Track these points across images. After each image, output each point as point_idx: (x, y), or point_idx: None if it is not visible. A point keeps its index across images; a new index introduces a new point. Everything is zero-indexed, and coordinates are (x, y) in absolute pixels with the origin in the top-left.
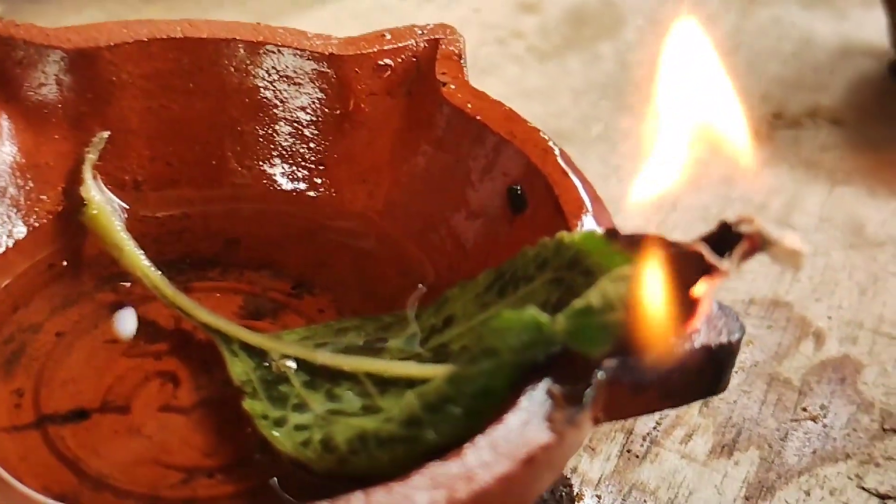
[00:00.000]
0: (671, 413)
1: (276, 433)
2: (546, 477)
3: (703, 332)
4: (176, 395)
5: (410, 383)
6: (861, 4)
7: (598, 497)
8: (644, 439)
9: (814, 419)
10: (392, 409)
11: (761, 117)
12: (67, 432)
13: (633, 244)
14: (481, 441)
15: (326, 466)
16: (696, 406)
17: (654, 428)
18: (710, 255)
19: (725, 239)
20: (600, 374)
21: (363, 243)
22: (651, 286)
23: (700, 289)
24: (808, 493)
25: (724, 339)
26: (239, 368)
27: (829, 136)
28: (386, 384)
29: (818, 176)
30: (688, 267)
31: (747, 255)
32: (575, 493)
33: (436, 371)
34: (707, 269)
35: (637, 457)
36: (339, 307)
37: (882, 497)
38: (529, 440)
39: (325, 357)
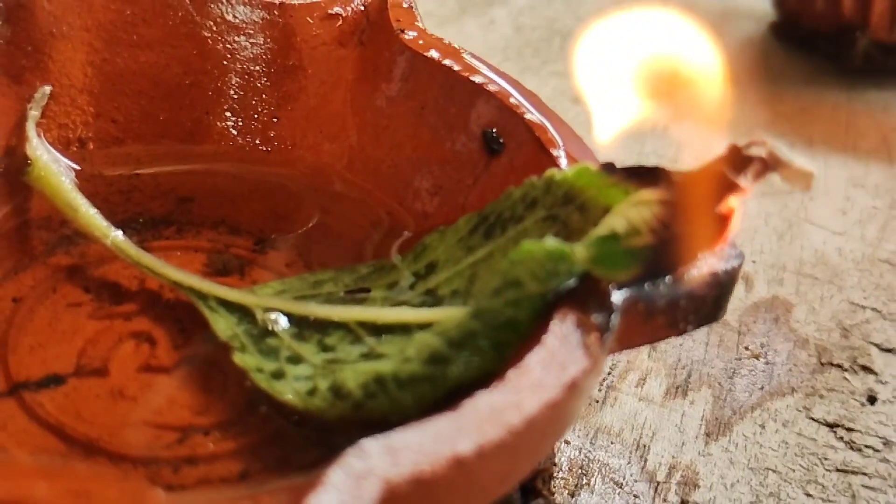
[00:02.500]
0: (622, 359)
1: (276, 385)
2: (582, 402)
3: (707, 259)
4: (154, 355)
5: (406, 328)
6: None
7: (568, 442)
8: (601, 385)
9: (756, 357)
10: (396, 353)
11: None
12: (45, 398)
13: (630, 177)
14: (523, 370)
15: (339, 413)
16: (644, 351)
17: (609, 374)
18: (732, 174)
19: (736, 162)
20: (619, 301)
21: (324, 196)
22: (678, 208)
23: (726, 207)
24: (762, 427)
25: (727, 265)
26: (222, 324)
27: (726, 94)
28: (380, 331)
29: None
30: (709, 188)
31: (760, 175)
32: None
33: (432, 314)
34: (729, 189)
35: (597, 402)
36: (305, 261)
37: (830, 426)
38: (569, 366)
39: (314, 308)
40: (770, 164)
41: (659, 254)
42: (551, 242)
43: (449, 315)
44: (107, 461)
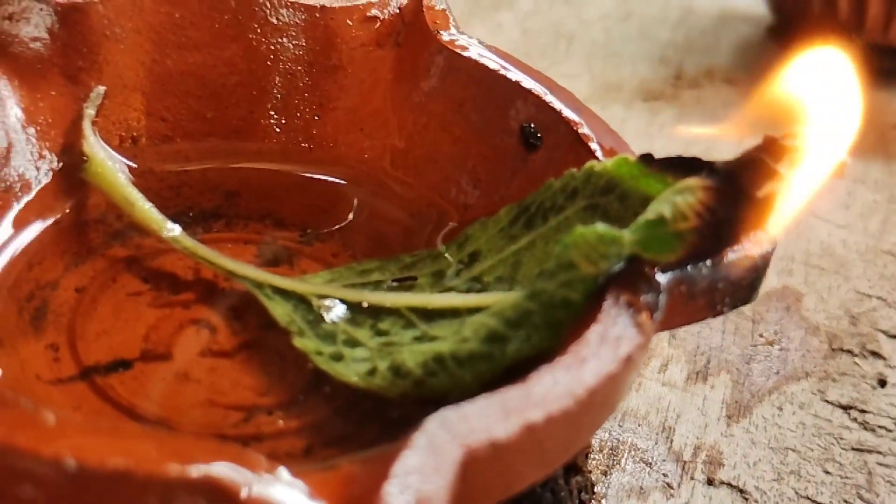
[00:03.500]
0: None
1: (337, 367)
2: (633, 377)
3: (744, 244)
4: (215, 340)
5: (456, 312)
6: None
7: None
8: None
9: (771, 343)
10: (450, 335)
11: (664, 78)
12: (115, 381)
13: (667, 167)
14: (582, 345)
15: (400, 391)
16: (665, 339)
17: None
18: (772, 162)
19: (773, 151)
20: (665, 283)
21: (367, 189)
22: (721, 194)
23: (766, 193)
24: (780, 409)
25: (762, 250)
26: (280, 311)
27: (728, 95)
28: (431, 316)
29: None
30: (748, 176)
31: (795, 163)
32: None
33: (480, 299)
34: (767, 176)
35: None
36: (351, 251)
37: (844, 408)
38: (624, 341)
39: (366, 295)
40: (805, 153)
41: (703, 238)
42: (602, 227)
43: (496, 299)
44: None
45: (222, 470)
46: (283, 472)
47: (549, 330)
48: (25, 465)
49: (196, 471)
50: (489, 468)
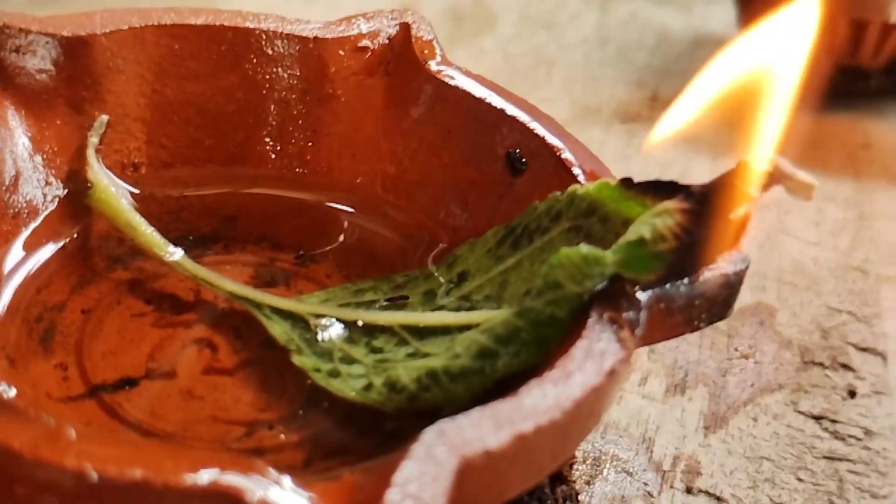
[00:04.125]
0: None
1: (334, 383)
2: (617, 390)
3: (719, 263)
4: (217, 359)
5: (447, 330)
6: (703, 1)
7: None
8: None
9: (745, 357)
10: (442, 351)
11: (641, 101)
12: (122, 398)
13: (646, 190)
14: (568, 360)
15: (395, 405)
16: (644, 354)
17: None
18: (744, 186)
19: (746, 175)
20: (645, 300)
21: (359, 213)
22: (698, 217)
23: (739, 214)
24: (755, 420)
25: (735, 268)
26: (278, 330)
27: (703, 116)
28: (423, 333)
29: (701, 150)
30: (723, 198)
31: (768, 186)
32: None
33: (469, 317)
34: (740, 199)
35: None
36: (344, 273)
37: (816, 418)
38: (608, 356)
39: (361, 314)
40: (776, 177)
41: (680, 258)
42: (585, 248)
43: (485, 317)
44: None
45: (233, 479)
46: (288, 481)
47: (537, 346)
48: (50, 477)
49: (209, 480)
50: (483, 476)
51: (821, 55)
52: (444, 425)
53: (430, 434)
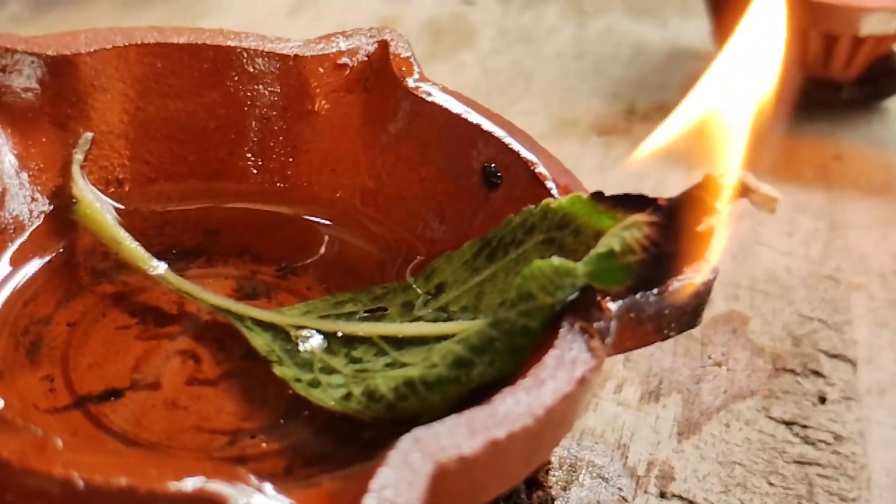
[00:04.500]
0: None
1: (315, 392)
2: (589, 396)
3: (687, 273)
4: (200, 370)
5: (425, 340)
6: (679, 14)
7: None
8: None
9: (718, 364)
10: (419, 361)
11: (617, 114)
12: (107, 409)
13: (617, 203)
14: (541, 369)
15: (374, 414)
16: (619, 361)
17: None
18: (710, 199)
19: (712, 189)
20: (615, 310)
21: (339, 226)
22: (665, 229)
23: (705, 227)
24: (727, 426)
25: (703, 278)
26: (260, 341)
27: (682, 136)
28: (401, 344)
29: (676, 162)
30: (690, 212)
31: (733, 199)
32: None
33: (446, 328)
34: (707, 212)
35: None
36: (324, 285)
37: (787, 424)
38: (579, 364)
39: (340, 325)
40: (741, 191)
41: (649, 269)
42: (557, 260)
43: (461, 328)
44: None
45: (216, 486)
46: (269, 488)
47: (511, 355)
48: (38, 485)
49: (193, 487)
50: (458, 481)
51: (792, 69)
52: (420, 433)
53: (405, 441)
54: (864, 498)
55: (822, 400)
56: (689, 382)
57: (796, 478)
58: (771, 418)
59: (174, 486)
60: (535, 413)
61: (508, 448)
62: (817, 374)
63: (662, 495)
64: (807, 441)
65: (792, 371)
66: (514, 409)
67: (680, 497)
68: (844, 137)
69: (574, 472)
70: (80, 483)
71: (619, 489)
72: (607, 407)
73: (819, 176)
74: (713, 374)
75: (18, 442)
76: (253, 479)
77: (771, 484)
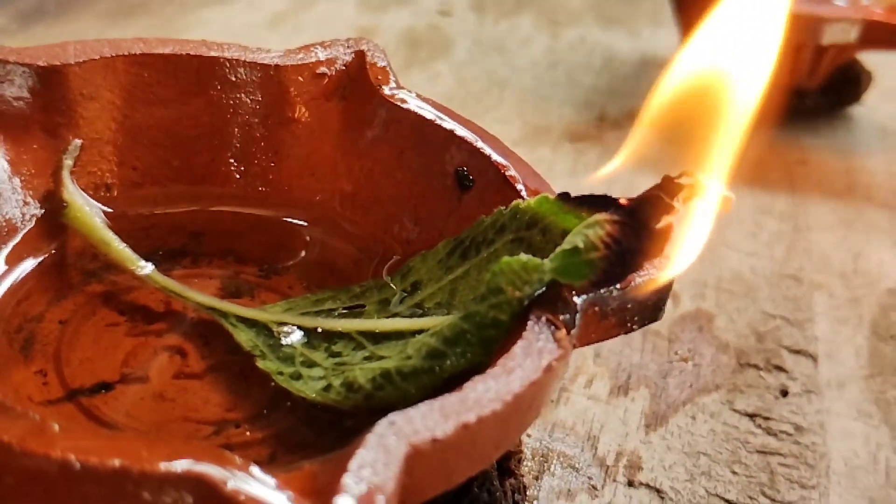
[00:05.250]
0: (572, 365)
1: (296, 384)
2: (555, 384)
3: (649, 269)
4: (186, 364)
5: (401, 335)
6: (649, 25)
7: (529, 435)
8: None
9: (685, 360)
10: (395, 354)
11: (589, 121)
12: (98, 402)
13: (582, 203)
14: (509, 358)
15: (352, 404)
16: (590, 358)
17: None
18: (668, 199)
19: (670, 189)
20: (580, 304)
21: (318, 228)
22: (626, 227)
23: (664, 225)
24: (693, 418)
25: (664, 274)
26: (243, 337)
27: (647, 134)
28: (378, 338)
29: (646, 167)
30: (649, 211)
31: (689, 199)
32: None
33: (422, 323)
34: (665, 211)
35: (553, 401)
36: (305, 284)
37: (750, 416)
38: (545, 354)
39: (320, 321)
40: (697, 190)
41: (611, 265)
42: (525, 257)
43: (436, 322)
44: None
45: (205, 467)
46: (255, 469)
47: (482, 346)
48: (37, 466)
49: (182, 468)
50: (431, 463)
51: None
52: (395, 417)
53: (381, 425)
54: (822, 485)
55: (784, 393)
56: (656, 377)
57: (759, 466)
58: (735, 411)
59: (164, 466)
60: (503, 399)
61: (479, 431)
62: (780, 368)
63: (630, 484)
64: (769, 432)
65: (755, 366)
66: (484, 395)
67: (647, 485)
68: (808, 143)
69: (546, 462)
70: (77, 464)
71: (589, 478)
72: (578, 401)
73: (784, 180)
74: (680, 370)
75: (18, 427)
76: (239, 460)
77: (734, 473)
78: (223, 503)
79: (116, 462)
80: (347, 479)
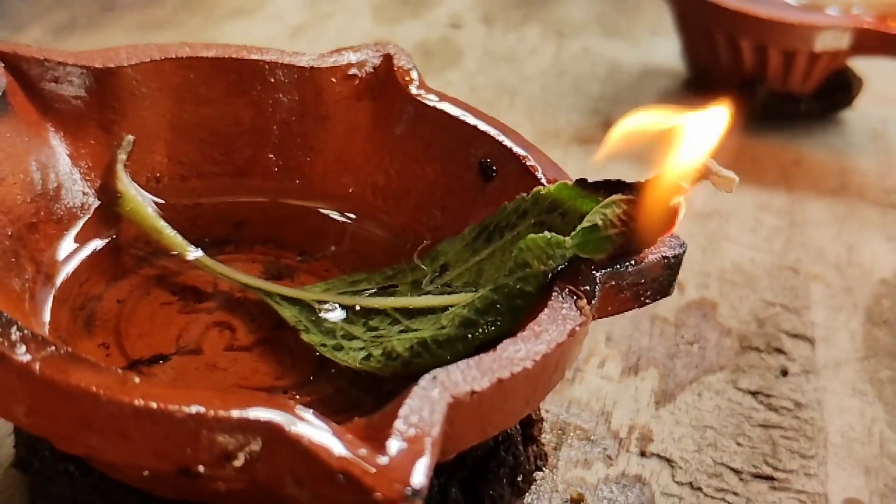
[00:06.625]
0: (585, 347)
1: (339, 355)
2: (577, 350)
3: (660, 247)
4: (236, 338)
5: (432, 310)
6: (650, 35)
7: (548, 410)
8: (570, 367)
9: (691, 343)
10: (429, 326)
11: (596, 126)
12: (157, 371)
13: (598, 188)
14: (537, 323)
15: (391, 371)
16: (602, 342)
17: (576, 358)
18: (678, 180)
19: (677, 171)
20: (599, 277)
21: (352, 217)
22: (640, 207)
23: (675, 203)
24: (699, 395)
25: (674, 252)
26: (289, 313)
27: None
28: (412, 314)
29: (651, 167)
30: (660, 191)
31: (696, 180)
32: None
33: (451, 299)
34: (675, 191)
35: (569, 381)
36: (341, 268)
37: (753, 393)
38: (569, 320)
39: (358, 299)
40: (703, 172)
41: (627, 240)
42: (549, 234)
43: (464, 299)
44: None
45: (272, 413)
46: (312, 416)
47: (511, 315)
48: (121, 412)
49: (253, 414)
50: (470, 413)
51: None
52: (437, 372)
53: (425, 379)
54: (821, 455)
55: (784, 373)
56: (664, 359)
57: (761, 439)
58: (738, 389)
59: (237, 413)
60: (533, 358)
61: (511, 387)
62: (780, 351)
63: (642, 454)
64: (770, 408)
65: (757, 349)
66: (515, 354)
67: (658, 455)
68: (803, 145)
69: (564, 434)
70: (158, 410)
71: (604, 449)
72: (592, 380)
73: (781, 179)
74: (686, 352)
75: (103, 378)
76: (299, 408)
77: (739, 444)
78: (287, 445)
79: (193, 409)
80: (398, 425)
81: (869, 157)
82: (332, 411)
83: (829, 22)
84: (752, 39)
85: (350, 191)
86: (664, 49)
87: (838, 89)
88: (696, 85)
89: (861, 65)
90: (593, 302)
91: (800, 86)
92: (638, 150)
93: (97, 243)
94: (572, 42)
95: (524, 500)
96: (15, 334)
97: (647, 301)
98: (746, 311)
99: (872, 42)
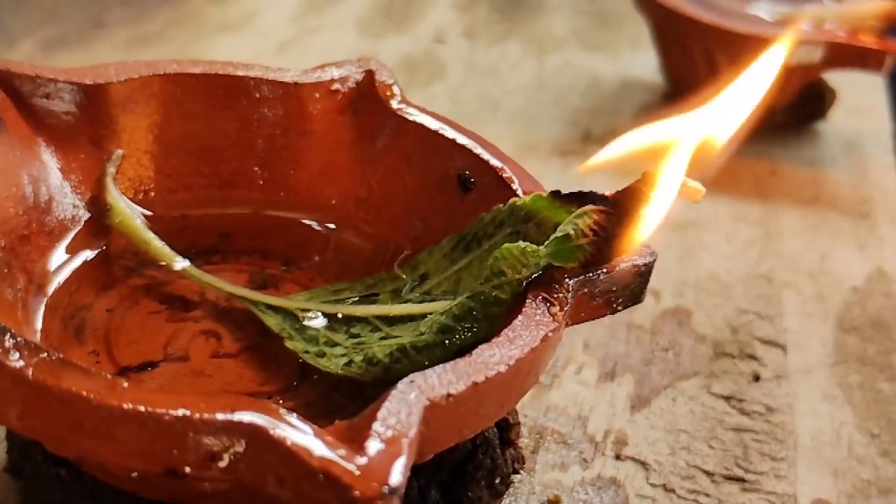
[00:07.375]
0: (563, 354)
1: (321, 361)
2: (550, 354)
3: (632, 256)
4: (222, 346)
5: (412, 318)
6: (630, 49)
7: (526, 415)
8: (548, 374)
9: (666, 350)
10: (408, 333)
11: (575, 138)
12: (146, 377)
13: (571, 199)
14: (511, 329)
15: (372, 376)
16: (579, 348)
17: (554, 365)
18: (648, 191)
19: (647, 183)
20: (572, 284)
21: (335, 228)
22: (611, 217)
23: (643, 214)
24: (674, 400)
25: (645, 260)
26: (272, 321)
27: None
28: (392, 321)
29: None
30: (630, 202)
31: (666, 192)
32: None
33: (430, 307)
34: (644, 202)
35: (547, 386)
36: (324, 277)
37: (726, 398)
38: (542, 326)
39: (340, 308)
40: (672, 184)
41: (598, 249)
42: (523, 243)
43: (443, 307)
44: None
45: (256, 417)
46: (297, 420)
47: (487, 321)
48: (111, 415)
49: (238, 417)
50: (446, 416)
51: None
52: (415, 376)
53: (403, 383)
54: (791, 457)
55: (757, 378)
56: (640, 365)
57: (733, 442)
58: (712, 394)
59: (222, 415)
60: (507, 362)
61: (486, 390)
62: (752, 357)
63: (618, 457)
64: (743, 412)
65: (730, 355)
66: (490, 359)
67: (633, 458)
68: (778, 156)
69: (542, 438)
70: (146, 413)
71: (581, 452)
72: (569, 386)
73: (756, 190)
74: (661, 359)
75: (93, 383)
76: (282, 411)
77: (711, 447)
78: (271, 447)
79: (180, 412)
80: (376, 426)
81: (842, 168)
82: (315, 415)
83: (803, 36)
84: (727, 54)
85: (333, 202)
86: (643, 63)
87: (812, 101)
88: (674, 98)
89: (834, 77)
90: (566, 308)
91: (774, 98)
92: (617, 164)
93: (87, 254)
94: (553, 56)
95: (502, 502)
96: (9, 341)
97: (619, 308)
98: (720, 318)
99: (845, 56)
